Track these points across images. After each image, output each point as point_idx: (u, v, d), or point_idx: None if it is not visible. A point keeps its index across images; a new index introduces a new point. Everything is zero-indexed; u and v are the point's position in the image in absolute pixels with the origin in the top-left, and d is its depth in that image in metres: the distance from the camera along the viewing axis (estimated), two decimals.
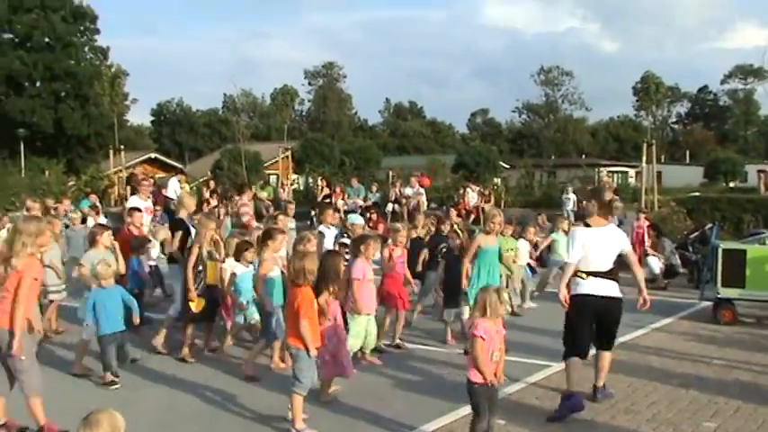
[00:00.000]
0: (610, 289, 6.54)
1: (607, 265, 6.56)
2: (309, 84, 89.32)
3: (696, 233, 15.09)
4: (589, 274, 6.53)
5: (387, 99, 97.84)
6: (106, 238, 8.58)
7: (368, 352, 8.08)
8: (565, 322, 6.79)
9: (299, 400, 5.98)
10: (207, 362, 8.37)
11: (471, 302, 7.60)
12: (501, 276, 9.31)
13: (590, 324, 6.64)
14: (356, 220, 11.68)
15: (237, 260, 8.62)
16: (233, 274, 8.52)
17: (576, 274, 6.59)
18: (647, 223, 15.29)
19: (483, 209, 19.61)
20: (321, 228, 10.93)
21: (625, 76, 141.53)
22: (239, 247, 8.72)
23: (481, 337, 5.24)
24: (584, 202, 6.90)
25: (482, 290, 5.59)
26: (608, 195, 6.99)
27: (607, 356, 6.78)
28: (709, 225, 14.55)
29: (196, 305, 8.38)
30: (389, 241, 9.30)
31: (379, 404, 6.71)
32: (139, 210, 11.31)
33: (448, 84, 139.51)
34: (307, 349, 5.94)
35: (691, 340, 9.42)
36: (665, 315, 10.87)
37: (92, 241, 8.63)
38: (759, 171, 17.24)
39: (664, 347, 8.98)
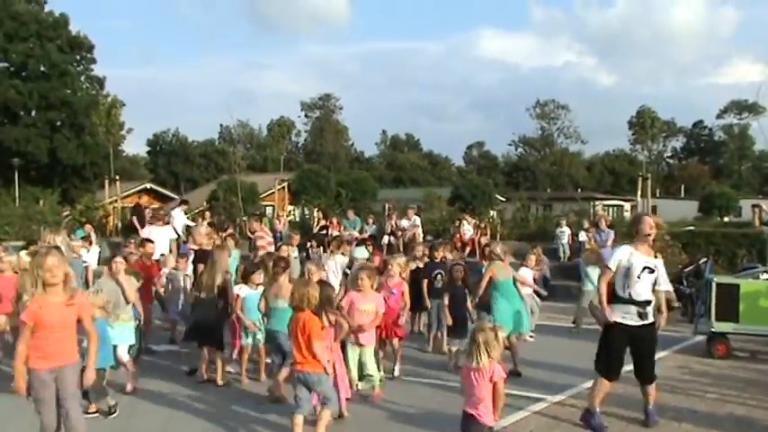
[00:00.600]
0: None
1: None
2: (306, 115, 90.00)
3: (690, 267, 15.12)
4: None
5: (383, 131, 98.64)
6: (120, 265, 8.58)
7: (377, 385, 8.01)
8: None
9: (327, 414, 6.32)
10: (200, 389, 8.36)
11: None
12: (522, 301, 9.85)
13: None
14: (360, 254, 11.86)
15: (245, 283, 8.80)
16: (238, 296, 8.71)
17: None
18: None
19: (479, 241, 19.63)
20: (339, 258, 11.66)
21: (621, 109, 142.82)
22: (247, 270, 8.95)
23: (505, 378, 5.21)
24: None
25: (480, 329, 5.35)
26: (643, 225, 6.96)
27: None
28: (704, 259, 14.58)
29: None
30: (388, 272, 9.34)
31: None
32: (152, 241, 11.50)
33: (445, 116, 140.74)
34: (326, 371, 6.17)
35: (685, 374, 9.39)
36: (659, 348, 10.66)
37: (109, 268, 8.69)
38: (753, 206, 17.28)
39: (658, 381, 8.89)
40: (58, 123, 42.80)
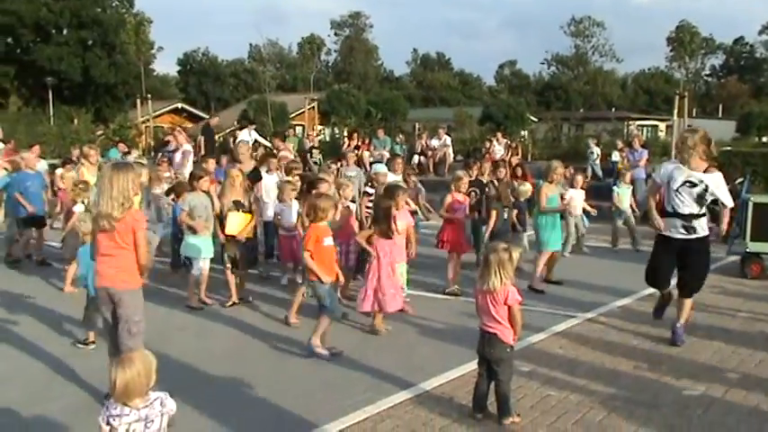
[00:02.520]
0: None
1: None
2: (336, 34, 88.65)
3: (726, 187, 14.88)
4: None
5: (414, 50, 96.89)
6: (204, 183, 8.78)
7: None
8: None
9: (323, 321, 6.65)
10: (230, 308, 8.59)
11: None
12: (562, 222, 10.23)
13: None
14: (380, 168, 11.74)
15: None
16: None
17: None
18: None
19: (510, 161, 19.49)
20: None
21: (658, 27, 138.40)
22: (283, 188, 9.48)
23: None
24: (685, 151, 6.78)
25: (492, 249, 5.05)
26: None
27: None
28: (740, 179, 14.34)
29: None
30: (452, 188, 9.46)
31: (405, 349, 6.83)
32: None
33: (476, 34, 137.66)
34: (319, 279, 6.57)
35: (718, 293, 9.35)
36: None
37: (190, 185, 8.84)
38: None
39: None
40: (90, 42, 42.56)
